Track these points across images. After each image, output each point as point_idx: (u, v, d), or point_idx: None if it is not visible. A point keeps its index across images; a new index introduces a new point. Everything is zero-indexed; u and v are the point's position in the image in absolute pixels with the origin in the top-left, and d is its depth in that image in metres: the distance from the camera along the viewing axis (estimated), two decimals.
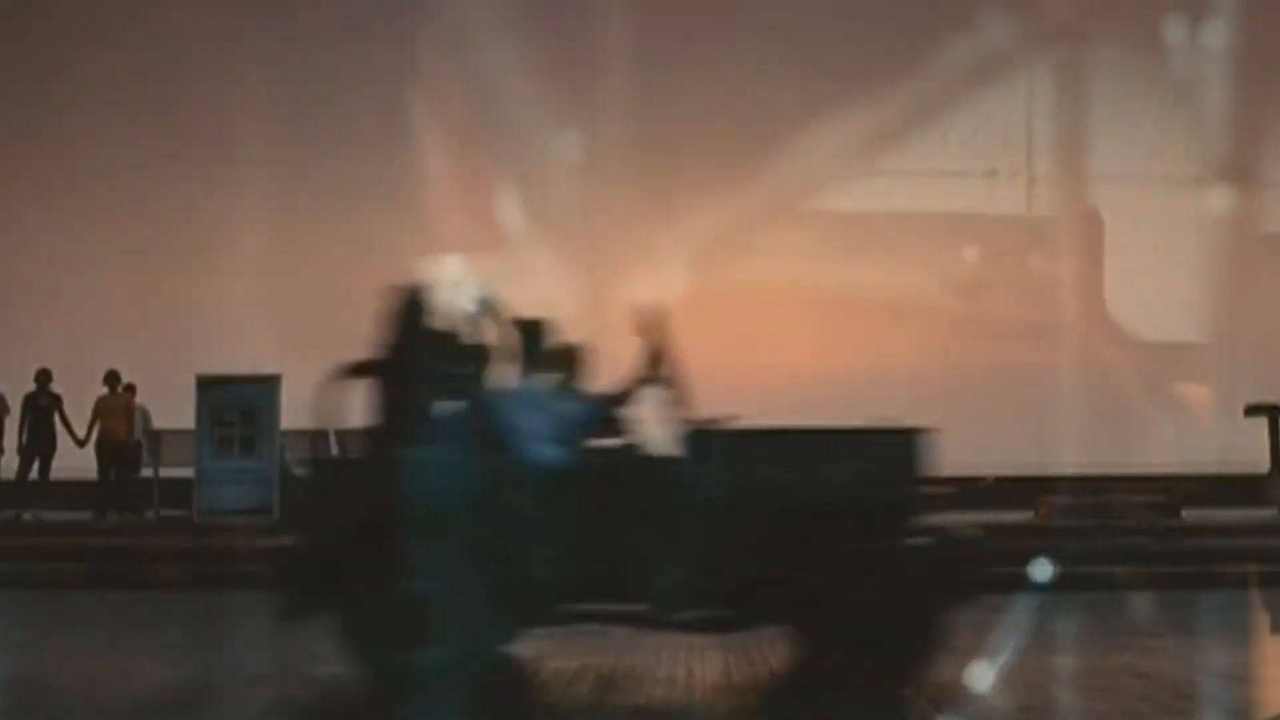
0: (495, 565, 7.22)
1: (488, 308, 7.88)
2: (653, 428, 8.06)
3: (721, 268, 20.62)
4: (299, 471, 8.01)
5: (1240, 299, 22.12)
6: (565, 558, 7.43)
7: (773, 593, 7.62)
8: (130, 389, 17.12)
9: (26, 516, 16.49)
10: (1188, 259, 21.38)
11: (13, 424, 16.70)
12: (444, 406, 7.42)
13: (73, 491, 16.71)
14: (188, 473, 16.24)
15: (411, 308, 7.85)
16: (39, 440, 16.60)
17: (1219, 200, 21.04)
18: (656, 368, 8.12)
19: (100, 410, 16.79)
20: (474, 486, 7.19)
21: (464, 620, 7.16)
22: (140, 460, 17.07)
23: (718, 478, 7.74)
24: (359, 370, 8.00)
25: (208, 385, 16.25)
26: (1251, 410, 17.14)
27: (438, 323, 7.79)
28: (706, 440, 7.88)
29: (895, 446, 7.89)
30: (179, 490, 16.26)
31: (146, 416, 17.15)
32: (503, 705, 7.54)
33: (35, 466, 16.66)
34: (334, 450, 8.96)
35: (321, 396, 8.17)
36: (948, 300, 21.51)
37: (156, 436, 16.90)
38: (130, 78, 20.75)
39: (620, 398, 8.14)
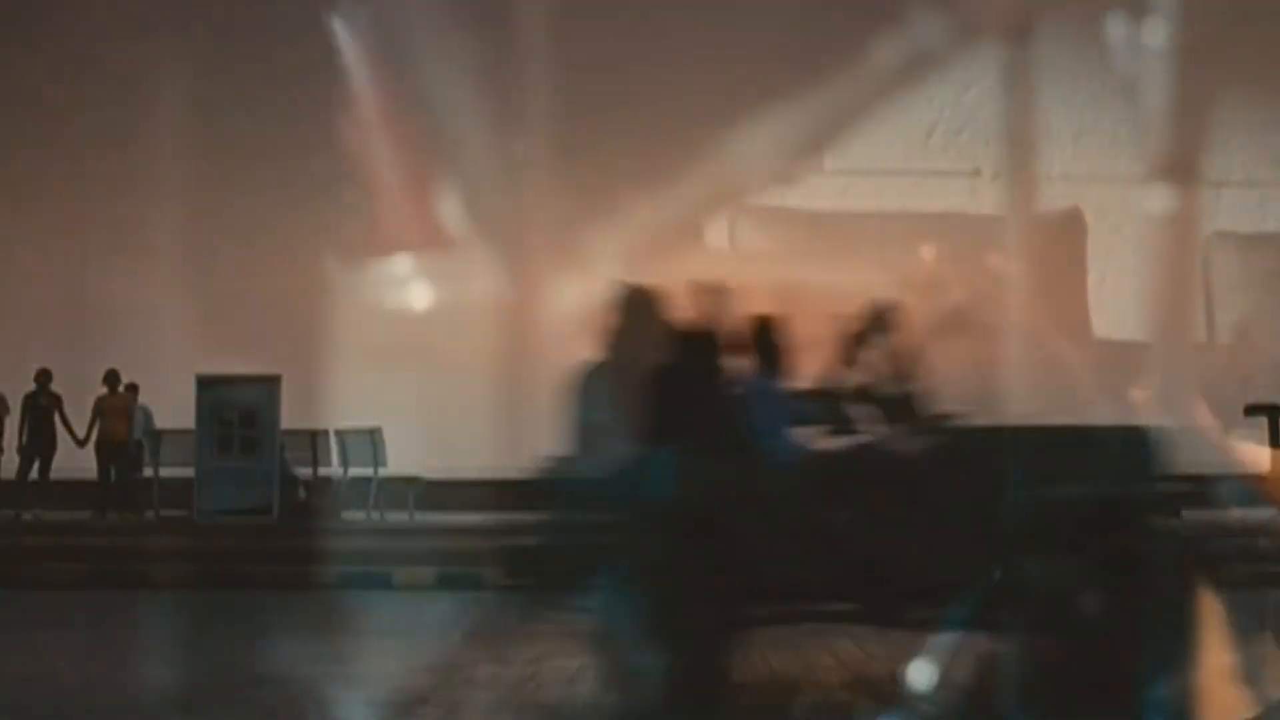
0: (739, 563, 7.19)
1: (725, 305, 7.80)
2: (892, 424, 7.95)
3: (666, 266, 20.46)
4: (545, 466, 7.85)
5: (1228, 298, 22.11)
6: (804, 555, 7.37)
7: (1014, 594, 7.47)
8: (132, 389, 17.13)
9: (26, 516, 16.48)
10: (1172, 259, 21.31)
11: (13, 424, 16.72)
12: (689, 404, 7.38)
13: (73, 491, 16.69)
14: (188, 473, 16.24)
15: (656, 307, 7.76)
16: (39, 440, 16.61)
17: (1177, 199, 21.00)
18: (895, 364, 8.00)
19: (100, 410, 16.79)
20: (721, 484, 7.18)
21: (704, 619, 7.15)
22: (141, 460, 17.07)
23: (957, 475, 7.62)
24: (601, 370, 7.90)
25: (208, 385, 16.25)
26: (1252, 410, 17.10)
27: (679, 322, 7.72)
28: (950, 437, 7.79)
29: (1137, 444, 7.79)
30: (179, 490, 16.26)
31: (149, 416, 17.14)
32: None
33: (35, 466, 16.67)
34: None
35: (569, 394, 8.03)
36: (912, 300, 21.27)
37: (158, 436, 16.90)
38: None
39: (857, 394, 8.01)
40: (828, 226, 21.63)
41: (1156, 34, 20.61)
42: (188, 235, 19.73)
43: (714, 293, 7.84)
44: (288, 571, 13.71)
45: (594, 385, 7.60)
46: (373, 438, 16.60)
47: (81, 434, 16.75)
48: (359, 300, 20.22)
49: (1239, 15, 20.40)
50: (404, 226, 20.72)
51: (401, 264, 20.79)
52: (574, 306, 20.01)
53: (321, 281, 20.13)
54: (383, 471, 16.60)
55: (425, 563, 13.84)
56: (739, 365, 7.88)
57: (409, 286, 20.79)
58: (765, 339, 7.99)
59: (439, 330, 19.92)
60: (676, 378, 7.61)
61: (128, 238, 20.28)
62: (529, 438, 18.98)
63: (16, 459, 16.64)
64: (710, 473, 7.34)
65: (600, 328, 7.74)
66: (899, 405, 7.90)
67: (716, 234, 22.11)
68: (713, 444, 7.48)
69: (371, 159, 20.41)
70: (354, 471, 16.64)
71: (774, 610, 7.78)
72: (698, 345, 7.71)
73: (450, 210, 21.01)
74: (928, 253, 21.03)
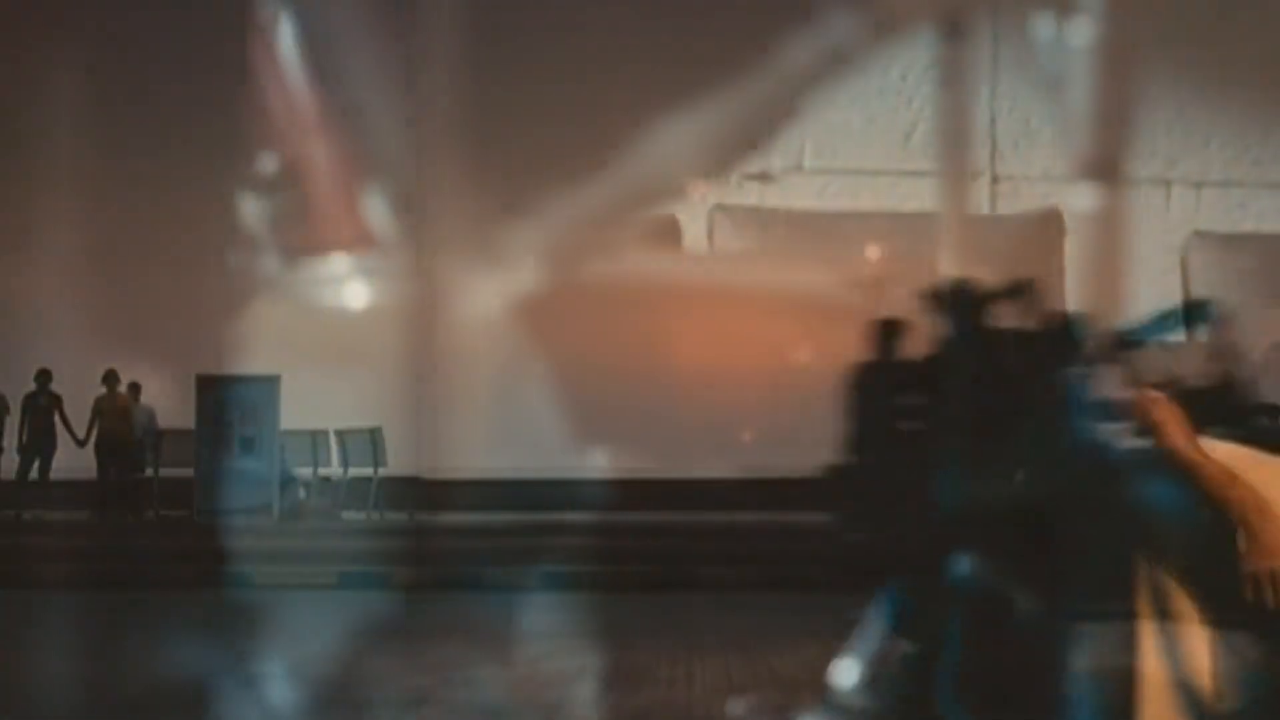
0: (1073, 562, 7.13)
1: (1027, 301, 7.70)
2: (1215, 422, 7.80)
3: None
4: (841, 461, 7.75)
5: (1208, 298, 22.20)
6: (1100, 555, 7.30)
7: None
8: (133, 388, 17.24)
9: (26, 516, 16.61)
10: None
11: (13, 424, 16.84)
12: (994, 403, 7.31)
13: (73, 491, 16.81)
14: (188, 473, 16.37)
15: (963, 303, 7.64)
16: (39, 440, 16.73)
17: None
18: (1220, 366, 7.78)
19: (100, 410, 16.92)
20: (1058, 483, 7.12)
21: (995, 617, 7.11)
22: (143, 460, 17.18)
23: None
24: (905, 369, 7.79)
25: (208, 385, 16.38)
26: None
27: (988, 318, 7.61)
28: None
29: None
30: (179, 490, 16.40)
31: (151, 416, 17.25)
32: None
33: (35, 466, 16.80)
34: None
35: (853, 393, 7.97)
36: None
37: (160, 436, 17.01)
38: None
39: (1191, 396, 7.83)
40: (806, 226, 21.73)
41: (1141, 36, 20.74)
42: (94, 235, 19.58)
43: (1023, 289, 7.67)
44: (287, 571, 13.91)
45: (883, 383, 7.56)
46: (372, 437, 16.72)
47: (81, 434, 16.88)
48: (278, 299, 19.97)
49: (1224, 17, 20.60)
50: (323, 226, 20.50)
51: (321, 265, 20.48)
52: (493, 306, 20.08)
53: (236, 281, 19.87)
54: (382, 471, 16.73)
55: (425, 562, 14.03)
56: (1043, 365, 7.78)
57: (327, 287, 20.52)
58: (1071, 338, 7.86)
59: (356, 330, 19.84)
60: (992, 376, 7.52)
61: (31, 236, 20.13)
62: (446, 437, 18.99)
63: (16, 459, 16.77)
64: (1047, 471, 7.28)
65: (904, 327, 7.70)
66: (1224, 400, 7.72)
67: (695, 232, 22.15)
68: (1048, 441, 7.41)
69: (290, 157, 20.22)
70: (354, 471, 16.80)
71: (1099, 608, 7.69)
72: (1014, 343, 7.59)
73: (369, 210, 20.75)
74: (873, 252, 20.92)
